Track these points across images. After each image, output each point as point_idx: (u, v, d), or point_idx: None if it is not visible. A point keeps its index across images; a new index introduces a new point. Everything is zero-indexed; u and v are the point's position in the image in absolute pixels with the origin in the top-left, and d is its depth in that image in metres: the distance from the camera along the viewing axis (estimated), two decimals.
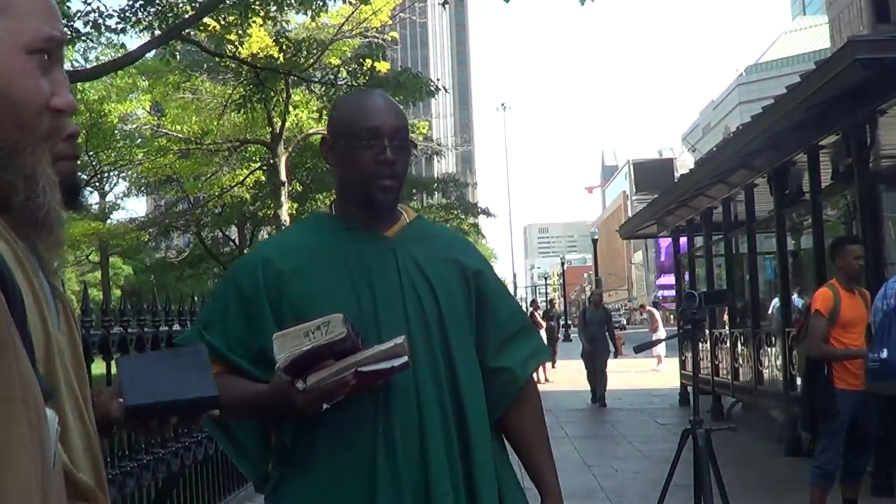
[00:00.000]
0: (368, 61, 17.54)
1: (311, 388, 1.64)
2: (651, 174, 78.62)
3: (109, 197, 30.89)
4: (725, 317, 11.88)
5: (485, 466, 1.83)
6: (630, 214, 43.51)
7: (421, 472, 1.74)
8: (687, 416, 5.76)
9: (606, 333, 14.07)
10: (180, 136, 24.04)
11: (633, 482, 7.41)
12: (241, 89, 18.96)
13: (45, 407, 0.88)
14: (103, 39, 16.30)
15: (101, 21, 13.09)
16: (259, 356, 1.78)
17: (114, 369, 3.32)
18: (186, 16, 13.38)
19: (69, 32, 12.51)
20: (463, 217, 34.91)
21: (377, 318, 1.79)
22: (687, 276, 14.01)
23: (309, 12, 14.78)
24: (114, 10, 13.23)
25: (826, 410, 5.19)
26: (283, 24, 19.42)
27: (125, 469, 3.17)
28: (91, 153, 26.18)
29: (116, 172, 28.70)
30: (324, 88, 18.96)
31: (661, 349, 19.28)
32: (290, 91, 19.50)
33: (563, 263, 66.79)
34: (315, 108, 21.14)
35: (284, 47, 16.98)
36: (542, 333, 18.20)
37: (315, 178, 28.35)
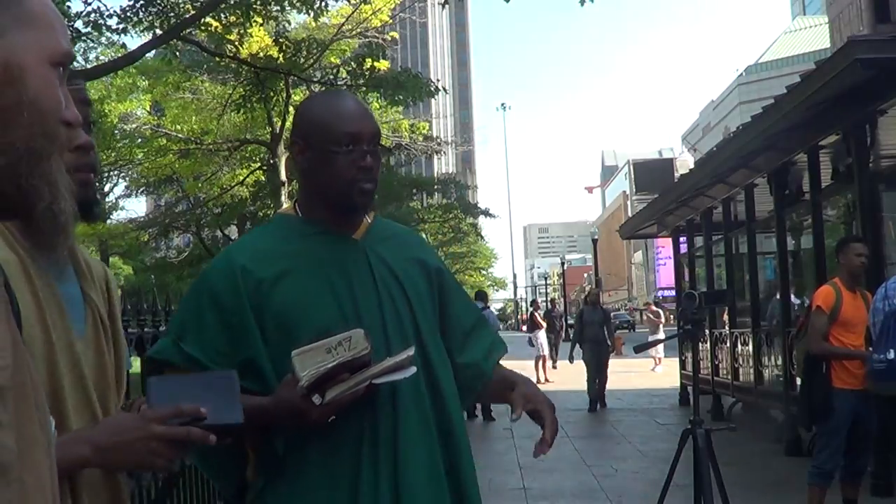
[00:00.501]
0: (368, 61, 17.54)
1: (328, 403, 1.65)
2: (651, 174, 78.69)
3: (109, 197, 30.86)
4: (725, 317, 11.87)
5: (468, 463, 1.87)
6: (630, 214, 43.52)
7: (394, 478, 1.74)
8: (687, 416, 5.77)
9: (606, 334, 13.71)
10: (180, 135, 24.04)
11: (633, 482, 7.41)
12: (241, 89, 18.97)
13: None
14: (103, 39, 16.30)
15: (101, 21, 13.09)
16: (243, 367, 1.72)
17: None
18: (187, 15, 13.38)
19: (69, 32, 12.50)
20: (463, 217, 34.91)
21: (360, 323, 1.78)
22: (687, 276, 14.01)
23: (311, 12, 14.77)
24: (114, 11, 13.23)
25: (822, 409, 5.20)
26: (284, 24, 19.40)
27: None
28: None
29: (116, 172, 28.68)
30: (324, 88, 18.95)
31: (659, 351, 19.25)
32: (290, 91, 19.50)
33: (563, 263, 66.78)
34: None
35: (284, 47, 16.98)
36: (542, 333, 18.27)
37: None
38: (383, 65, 18.65)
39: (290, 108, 20.50)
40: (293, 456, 1.76)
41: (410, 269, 1.91)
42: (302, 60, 17.62)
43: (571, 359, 15.59)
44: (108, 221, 29.97)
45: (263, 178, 25.01)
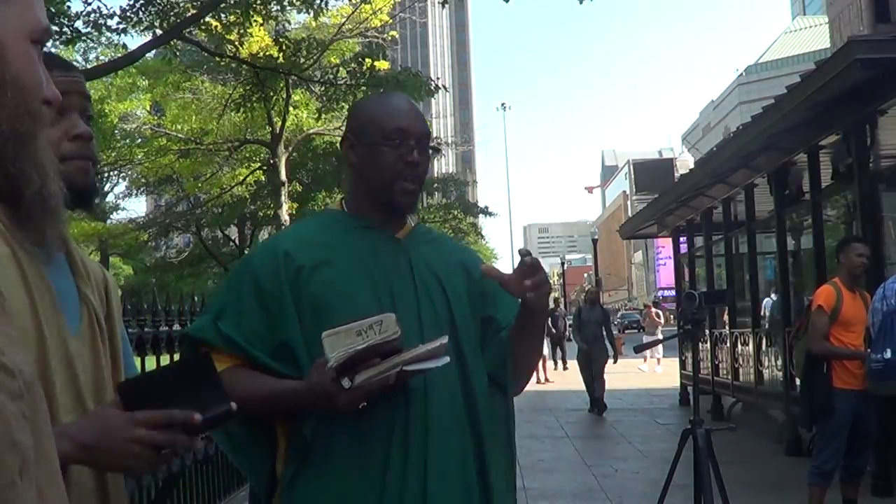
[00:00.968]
0: (368, 60, 17.55)
1: (357, 386, 1.64)
2: (651, 174, 78.61)
3: (109, 197, 30.88)
4: (725, 317, 11.88)
5: (498, 459, 1.85)
6: (630, 214, 43.51)
7: (423, 477, 1.74)
8: (687, 416, 5.77)
9: (605, 334, 12.86)
10: (180, 135, 24.05)
11: (633, 482, 7.41)
12: (241, 89, 18.97)
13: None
14: (103, 39, 16.31)
15: (101, 21, 13.10)
16: (278, 350, 1.76)
17: None
18: (187, 15, 13.38)
19: (69, 32, 12.51)
20: (462, 217, 34.91)
21: (396, 314, 1.79)
22: (687, 276, 14.01)
23: (310, 11, 14.77)
24: (114, 11, 13.24)
25: (822, 409, 5.20)
26: (284, 23, 19.41)
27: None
28: None
29: (116, 172, 28.70)
30: (323, 88, 18.97)
31: (658, 351, 19.23)
32: (290, 91, 19.51)
33: (563, 263, 66.72)
34: (315, 108, 21.15)
35: (284, 47, 16.99)
36: None
37: (315, 178, 28.36)
38: (383, 65, 18.65)
39: (290, 108, 20.52)
40: (323, 443, 1.76)
41: (452, 271, 1.92)
42: (302, 60, 17.62)
43: (564, 362, 15.24)
44: (108, 221, 30.01)
45: (263, 178, 25.02)
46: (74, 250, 1.36)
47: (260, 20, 15.36)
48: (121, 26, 13.35)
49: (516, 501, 1.99)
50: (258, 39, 18.31)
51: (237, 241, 31.49)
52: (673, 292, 23.89)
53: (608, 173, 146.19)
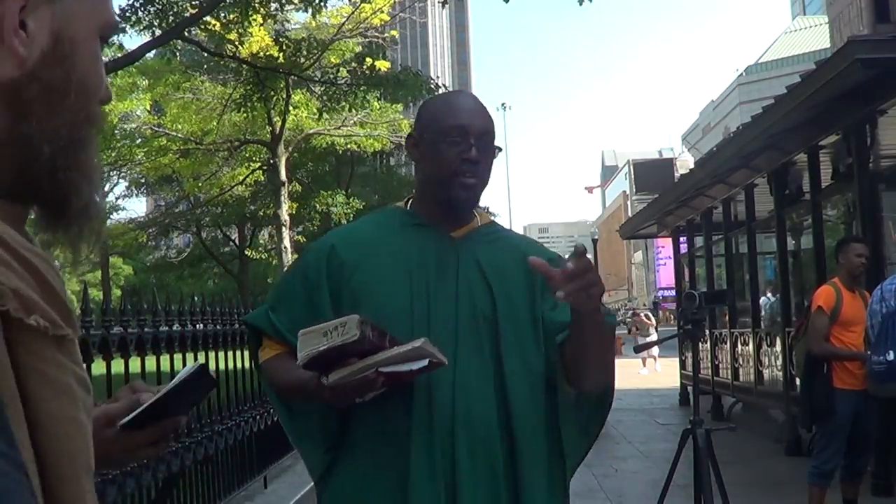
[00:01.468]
0: (368, 60, 17.55)
1: (333, 385, 1.66)
2: (651, 174, 78.51)
3: (109, 197, 30.87)
4: (726, 317, 11.87)
5: (532, 475, 1.79)
6: (630, 214, 43.50)
7: (451, 474, 1.74)
8: (687, 416, 5.76)
9: None
10: (180, 135, 24.04)
11: (633, 482, 7.41)
12: (241, 89, 18.96)
13: None
14: None
15: None
16: None
17: (114, 370, 3.32)
18: (187, 15, 13.38)
19: None
20: None
21: (429, 316, 1.79)
22: (687, 276, 14.01)
23: (309, 9, 14.77)
24: (114, 10, 13.23)
25: (823, 409, 5.20)
26: (284, 22, 19.41)
27: (125, 469, 3.17)
28: None
29: (116, 172, 28.69)
30: (323, 88, 18.97)
31: (654, 353, 19.24)
32: (291, 91, 19.49)
33: None
34: (315, 109, 21.15)
35: (284, 47, 16.98)
36: None
37: (315, 178, 28.35)
38: (383, 65, 18.66)
39: (291, 108, 20.51)
40: (350, 436, 1.82)
41: (507, 271, 1.86)
42: (302, 60, 17.62)
43: None
44: (108, 221, 29.99)
45: (263, 178, 25.01)
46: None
47: (259, 19, 15.35)
48: (120, 26, 13.34)
49: None
50: (258, 39, 18.31)
51: (237, 241, 31.50)
52: (673, 292, 23.94)
53: (608, 173, 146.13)
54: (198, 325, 4.31)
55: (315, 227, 26.53)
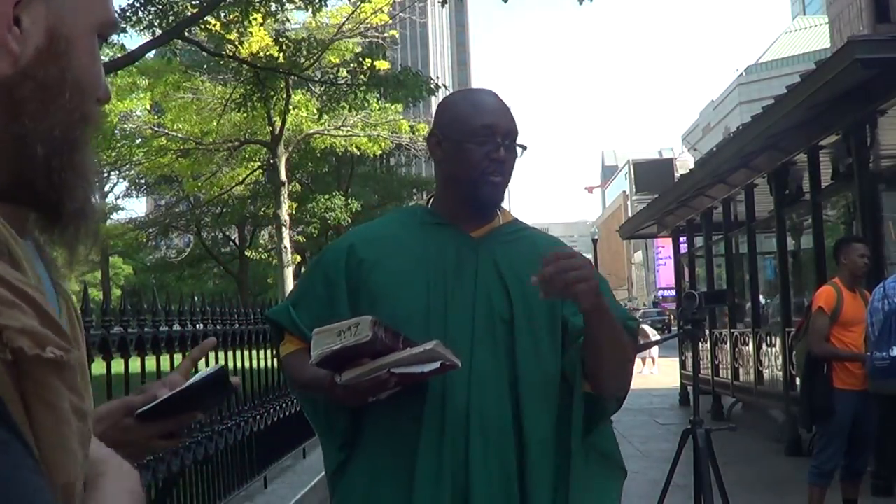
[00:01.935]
0: (368, 60, 17.55)
1: (345, 384, 1.67)
2: (651, 174, 78.52)
3: (109, 197, 30.88)
4: (726, 317, 11.87)
5: (540, 479, 1.77)
6: (630, 214, 43.48)
7: (463, 474, 1.74)
8: (687, 416, 5.76)
9: None
10: (180, 135, 24.04)
11: (633, 482, 7.39)
12: (241, 89, 18.97)
13: None
14: None
15: None
16: None
17: (114, 370, 3.32)
18: (187, 14, 13.38)
19: None
20: None
21: (446, 317, 1.78)
22: (687, 276, 14.00)
23: (310, 8, 14.78)
24: (113, 8, 13.23)
25: (823, 409, 5.20)
26: (284, 22, 19.41)
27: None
28: None
29: (116, 172, 28.70)
30: (323, 88, 18.97)
31: (654, 353, 19.26)
32: (291, 91, 19.50)
33: None
34: (315, 109, 21.15)
35: (284, 47, 16.99)
36: None
37: (315, 178, 28.36)
38: (383, 65, 18.66)
39: (291, 108, 20.52)
40: (361, 435, 1.83)
41: (526, 273, 1.78)
42: (302, 60, 17.63)
43: None
44: (108, 221, 30.00)
45: (263, 178, 25.02)
46: (46, 248, 1.32)
47: (260, 19, 15.35)
48: (120, 26, 13.34)
49: None
50: (258, 39, 18.31)
51: (237, 241, 31.52)
52: (673, 292, 23.93)
53: (608, 173, 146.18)
54: (198, 326, 4.31)
55: (314, 231, 26.56)
